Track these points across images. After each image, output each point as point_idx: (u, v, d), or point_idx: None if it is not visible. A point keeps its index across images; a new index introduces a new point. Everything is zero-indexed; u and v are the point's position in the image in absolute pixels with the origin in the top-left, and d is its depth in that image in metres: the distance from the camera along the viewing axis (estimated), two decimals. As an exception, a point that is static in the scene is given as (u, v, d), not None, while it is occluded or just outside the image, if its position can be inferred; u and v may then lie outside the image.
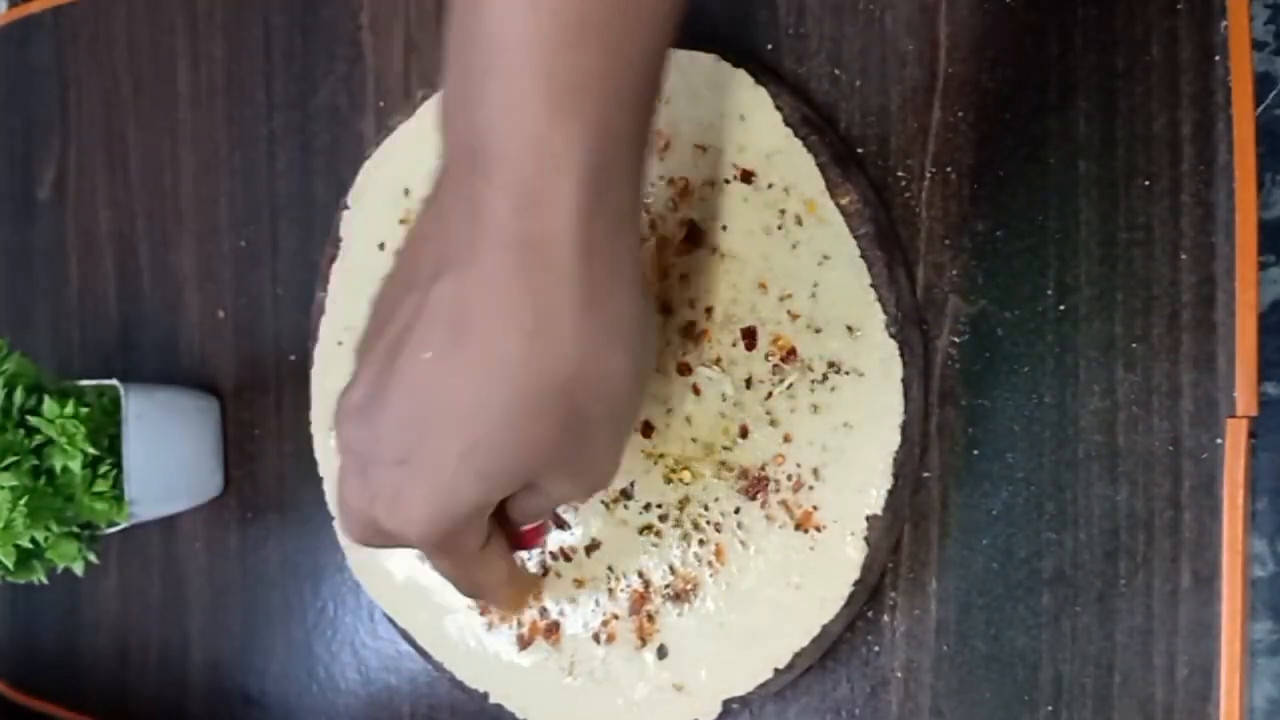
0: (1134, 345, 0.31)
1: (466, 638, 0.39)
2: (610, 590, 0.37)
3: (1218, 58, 0.30)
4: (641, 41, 0.23)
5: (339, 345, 0.43)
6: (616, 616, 0.36)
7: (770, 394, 0.34)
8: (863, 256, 0.33)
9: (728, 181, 0.35)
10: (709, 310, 0.35)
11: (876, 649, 0.35)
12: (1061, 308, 0.32)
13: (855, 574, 0.33)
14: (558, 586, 0.37)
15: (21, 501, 0.40)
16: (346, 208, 0.43)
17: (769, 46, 0.36)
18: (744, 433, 0.34)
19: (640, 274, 0.25)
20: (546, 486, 0.27)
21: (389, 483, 0.25)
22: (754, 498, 0.34)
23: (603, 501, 0.37)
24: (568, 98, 0.22)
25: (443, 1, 0.43)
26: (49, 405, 0.42)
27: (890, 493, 0.33)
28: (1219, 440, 0.30)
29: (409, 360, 0.24)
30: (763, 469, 0.34)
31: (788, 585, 0.34)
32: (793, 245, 0.34)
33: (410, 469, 0.25)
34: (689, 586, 0.35)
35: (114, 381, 0.44)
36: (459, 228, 0.23)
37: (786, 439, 0.34)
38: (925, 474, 0.34)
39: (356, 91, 0.45)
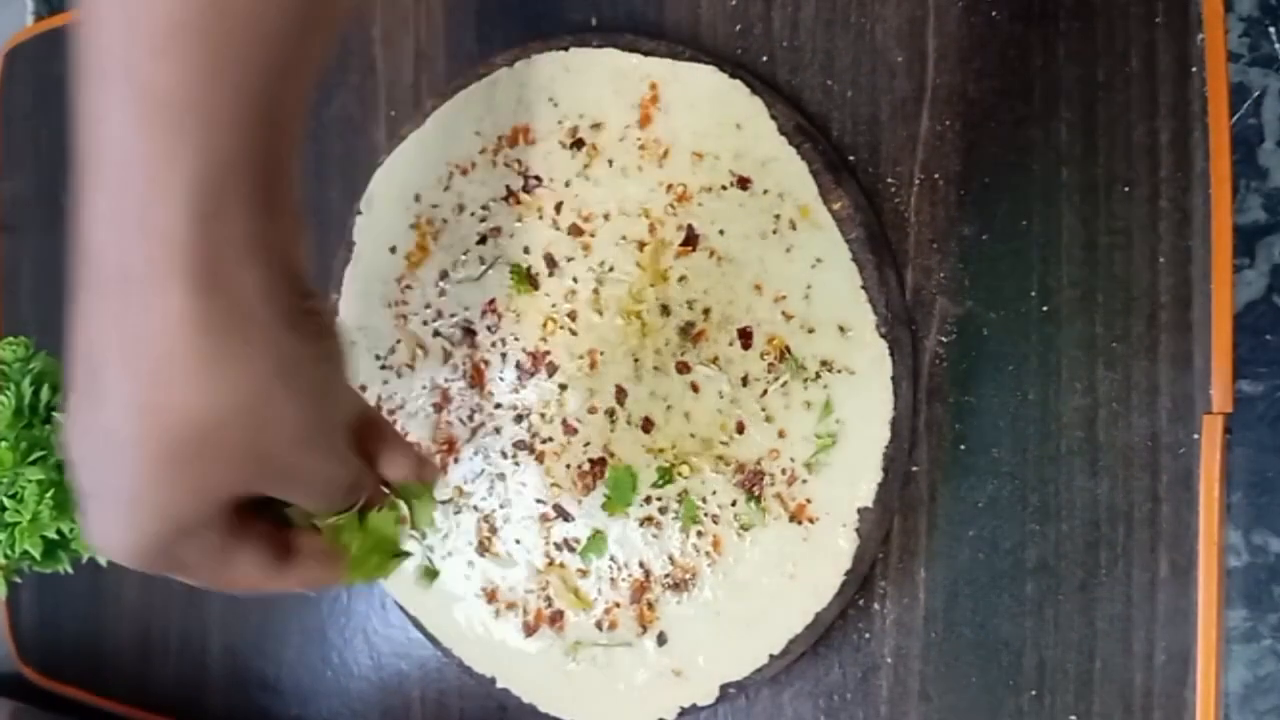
0: (1114, 344, 0.32)
1: (474, 625, 0.41)
2: (612, 579, 0.38)
3: (1194, 69, 0.31)
4: (256, 55, 0.21)
5: (351, 345, 0.45)
6: (618, 605, 0.38)
7: (765, 391, 0.35)
8: (854, 260, 0.34)
9: (724, 187, 0.36)
10: (706, 311, 0.36)
11: (867, 636, 0.36)
12: (1045, 308, 0.33)
13: (847, 564, 0.34)
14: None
15: (48, 494, 0.41)
16: (359, 213, 0.45)
17: (764, 58, 0.37)
18: (740, 428, 0.36)
19: (290, 309, 0.23)
20: (277, 494, 0.26)
21: (90, 514, 0.24)
22: (750, 491, 0.35)
23: (606, 495, 0.38)
24: (163, 113, 0.20)
25: (451, 15, 0.44)
26: (75, 402, 0.43)
27: (880, 486, 0.34)
28: (1196, 436, 0.31)
29: (75, 398, 0.23)
30: (758, 463, 0.35)
31: (782, 575, 0.35)
32: (787, 249, 0.35)
33: (95, 504, 0.24)
34: (688, 576, 0.36)
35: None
36: (81, 253, 0.22)
37: (781, 434, 0.35)
38: (914, 468, 0.35)
39: (369, 101, 0.46)
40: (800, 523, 0.35)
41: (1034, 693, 0.33)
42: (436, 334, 0.42)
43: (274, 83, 0.21)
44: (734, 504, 0.36)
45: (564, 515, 0.39)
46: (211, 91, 0.20)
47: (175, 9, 0.19)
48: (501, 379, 0.40)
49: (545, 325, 0.39)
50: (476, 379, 0.41)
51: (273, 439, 0.23)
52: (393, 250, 0.43)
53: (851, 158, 0.36)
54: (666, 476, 0.37)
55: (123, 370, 0.22)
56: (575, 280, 0.39)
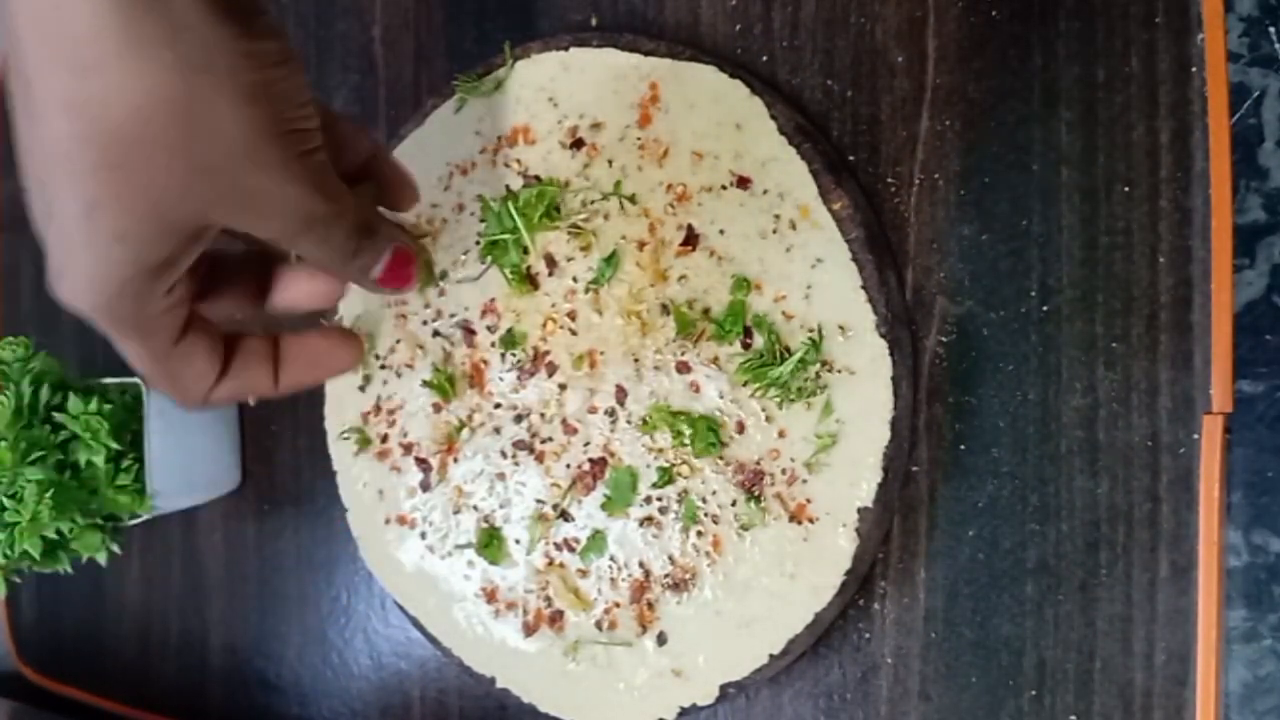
0: (1114, 345, 0.32)
1: (474, 625, 0.41)
2: (612, 579, 0.38)
3: (1194, 69, 0.31)
4: None
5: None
6: (618, 605, 0.38)
7: (765, 391, 0.35)
8: (854, 260, 0.34)
9: (725, 187, 0.36)
10: (706, 311, 0.36)
11: (867, 636, 0.36)
12: (1045, 309, 0.33)
13: (847, 564, 0.34)
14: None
15: (48, 494, 0.42)
16: None
17: (764, 58, 0.37)
18: (740, 428, 0.36)
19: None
20: (242, 229, 0.24)
21: (51, 259, 0.23)
22: (750, 491, 0.35)
23: (607, 495, 0.38)
24: None
25: (451, 15, 0.44)
26: (74, 402, 0.43)
27: (880, 486, 0.34)
28: (1196, 436, 0.31)
29: (14, 120, 0.22)
30: (758, 463, 0.35)
31: (782, 575, 0.35)
32: (787, 249, 0.35)
33: (52, 236, 0.23)
34: (688, 576, 0.36)
35: (136, 379, 0.45)
36: None
37: (781, 434, 0.35)
38: (914, 468, 0.35)
39: (369, 101, 0.46)
40: (800, 523, 0.35)
41: (1034, 693, 0.33)
42: (436, 334, 0.42)
43: None
44: (734, 504, 0.36)
45: (564, 515, 0.39)
46: None
47: None
48: (501, 379, 0.40)
49: (545, 325, 0.39)
50: (476, 379, 0.41)
51: (211, 145, 0.22)
52: (393, 250, 0.43)
53: (851, 158, 0.36)
54: (666, 476, 0.37)
55: (50, 68, 0.21)
56: (575, 280, 0.39)
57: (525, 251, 0.40)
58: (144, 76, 0.21)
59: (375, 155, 0.30)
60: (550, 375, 0.39)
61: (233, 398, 0.28)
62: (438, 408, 0.42)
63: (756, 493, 0.35)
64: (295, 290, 0.30)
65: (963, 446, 0.34)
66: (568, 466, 0.39)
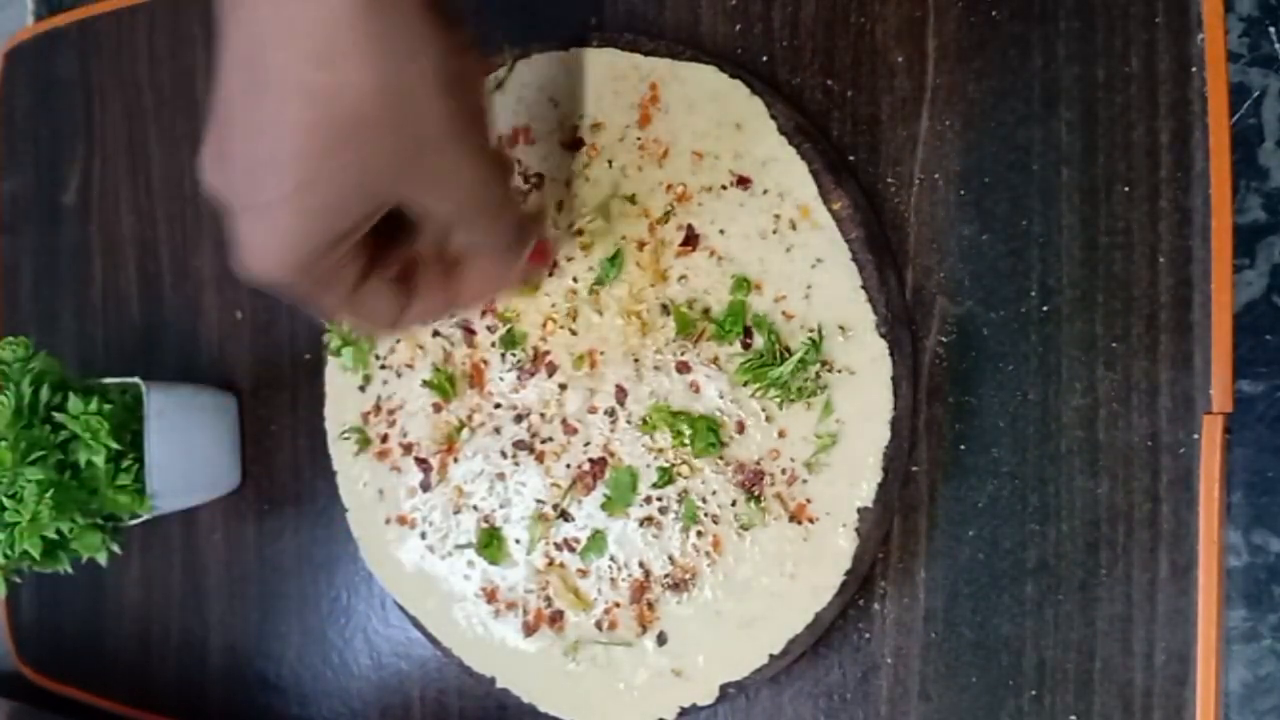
0: (1114, 345, 0.32)
1: (474, 625, 0.41)
2: (612, 579, 0.38)
3: (1194, 69, 0.31)
4: None
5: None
6: (618, 605, 0.38)
7: (765, 391, 0.35)
8: (854, 260, 0.34)
9: (725, 187, 0.36)
10: (706, 311, 0.36)
11: (867, 636, 0.36)
12: (1044, 309, 0.33)
13: (847, 564, 0.34)
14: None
15: (48, 494, 0.42)
16: None
17: (764, 59, 0.37)
18: (740, 428, 0.36)
19: (437, 5, 0.25)
20: (423, 207, 0.27)
21: (242, 230, 0.25)
22: (750, 491, 0.35)
23: (607, 495, 0.38)
24: None
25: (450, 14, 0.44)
26: (74, 402, 0.43)
27: (880, 486, 0.34)
28: (1196, 436, 0.31)
29: (231, 112, 0.24)
30: (758, 463, 0.35)
31: (782, 575, 0.35)
32: (787, 249, 0.35)
33: (251, 215, 0.25)
34: (688, 576, 0.36)
35: (136, 379, 0.45)
36: None
37: (781, 434, 0.35)
38: (914, 468, 0.35)
39: (369, 100, 0.46)
40: (800, 523, 0.35)
41: (1034, 693, 0.33)
42: (436, 334, 0.42)
43: None
44: (734, 504, 0.36)
45: (564, 515, 0.39)
46: None
47: None
48: (501, 379, 0.40)
49: (545, 325, 0.39)
50: (476, 379, 0.41)
51: (421, 128, 0.24)
52: (393, 250, 0.43)
53: (851, 158, 0.36)
54: (666, 476, 0.37)
55: (288, 54, 0.23)
56: (575, 280, 0.39)
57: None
58: (377, 68, 0.23)
59: None
60: (550, 375, 0.39)
61: (421, 320, 0.31)
62: (438, 408, 0.42)
63: (756, 493, 0.35)
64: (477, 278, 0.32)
65: (963, 446, 0.34)
66: (568, 466, 0.39)
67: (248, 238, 0.25)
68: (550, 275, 0.39)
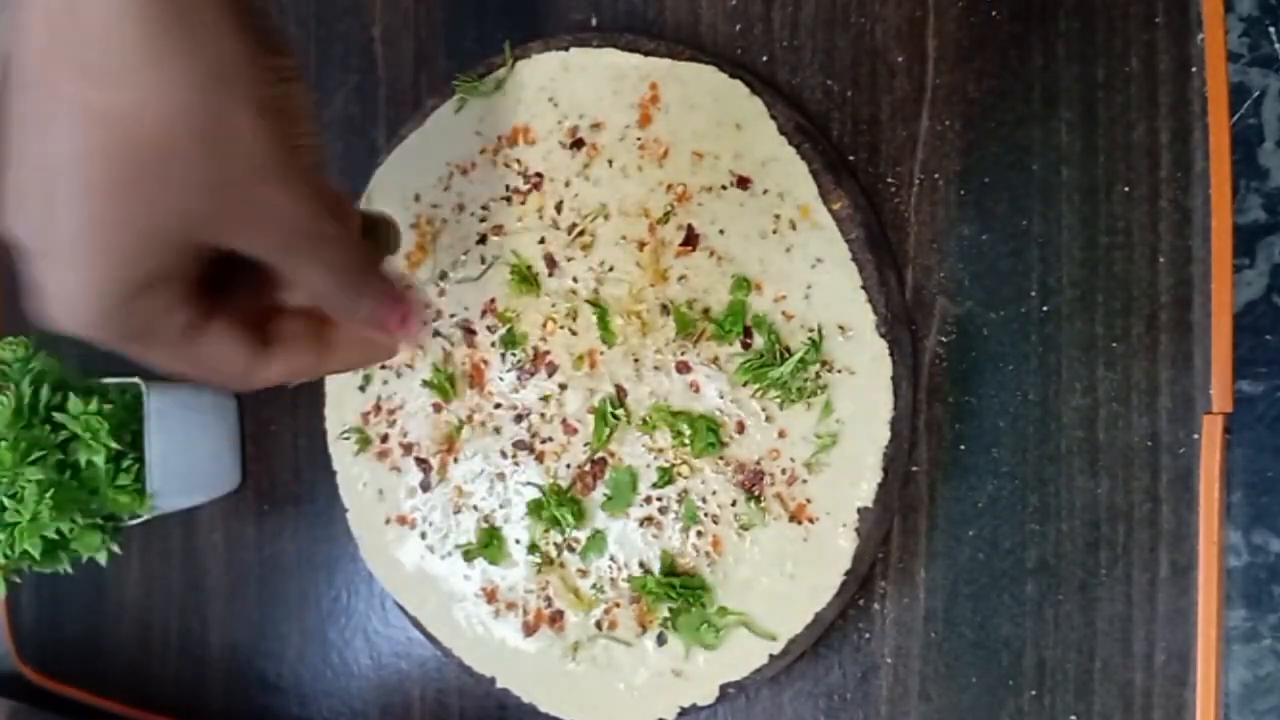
0: (1114, 345, 0.32)
1: (474, 625, 0.41)
2: (612, 579, 0.38)
3: (1194, 69, 0.31)
4: None
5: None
6: (618, 605, 0.38)
7: (765, 391, 0.35)
8: (854, 260, 0.34)
9: (725, 187, 0.36)
10: (706, 311, 0.36)
11: (867, 636, 0.36)
12: (1045, 309, 0.33)
13: (847, 564, 0.34)
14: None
15: (48, 494, 0.42)
16: (359, 212, 0.45)
17: (764, 58, 0.37)
18: (740, 428, 0.36)
19: (238, 11, 0.22)
20: (245, 247, 0.24)
21: (39, 276, 0.22)
22: (750, 491, 0.35)
23: (607, 495, 0.38)
24: None
25: (451, 15, 0.44)
26: (74, 402, 0.43)
27: (880, 486, 0.34)
28: (1195, 436, 0.31)
29: (15, 136, 0.21)
30: (758, 463, 0.35)
31: (782, 575, 0.35)
32: (787, 249, 0.35)
33: (47, 259, 0.22)
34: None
35: (136, 379, 0.46)
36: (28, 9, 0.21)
37: (781, 434, 0.35)
38: (914, 468, 0.35)
39: (368, 101, 0.46)
40: (800, 523, 0.35)
41: (1034, 693, 0.33)
42: (436, 334, 0.42)
43: None
44: (734, 504, 0.36)
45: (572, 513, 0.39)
46: None
47: None
48: (501, 379, 0.40)
49: (545, 325, 0.39)
50: (476, 379, 0.41)
51: (228, 160, 0.22)
52: (393, 250, 0.43)
53: (851, 158, 0.36)
54: (666, 476, 0.37)
55: (64, 75, 0.20)
56: (575, 280, 0.39)
57: (525, 251, 0.39)
58: (171, 89, 0.21)
59: (355, 210, 0.30)
60: (550, 375, 0.39)
61: (280, 380, 0.27)
62: (438, 408, 0.42)
63: (756, 493, 0.35)
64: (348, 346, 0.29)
65: (963, 446, 0.34)
66: (568, 466, 0.39)
67: (46, 285, 0.22)
68: (550, 275, 0.39)
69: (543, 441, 0.39)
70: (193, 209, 0.22)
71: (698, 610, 0.35)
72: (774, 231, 0.35)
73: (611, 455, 0.38)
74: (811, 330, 0.34)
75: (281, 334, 0.27)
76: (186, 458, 0.47)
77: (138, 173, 0.21)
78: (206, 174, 0.22)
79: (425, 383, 0.42)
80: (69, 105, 0.21)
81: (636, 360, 0.37)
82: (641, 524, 0.37)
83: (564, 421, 0.39)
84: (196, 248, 0.23)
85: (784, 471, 0.35)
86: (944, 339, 0.35)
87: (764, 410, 0.35)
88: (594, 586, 0.38)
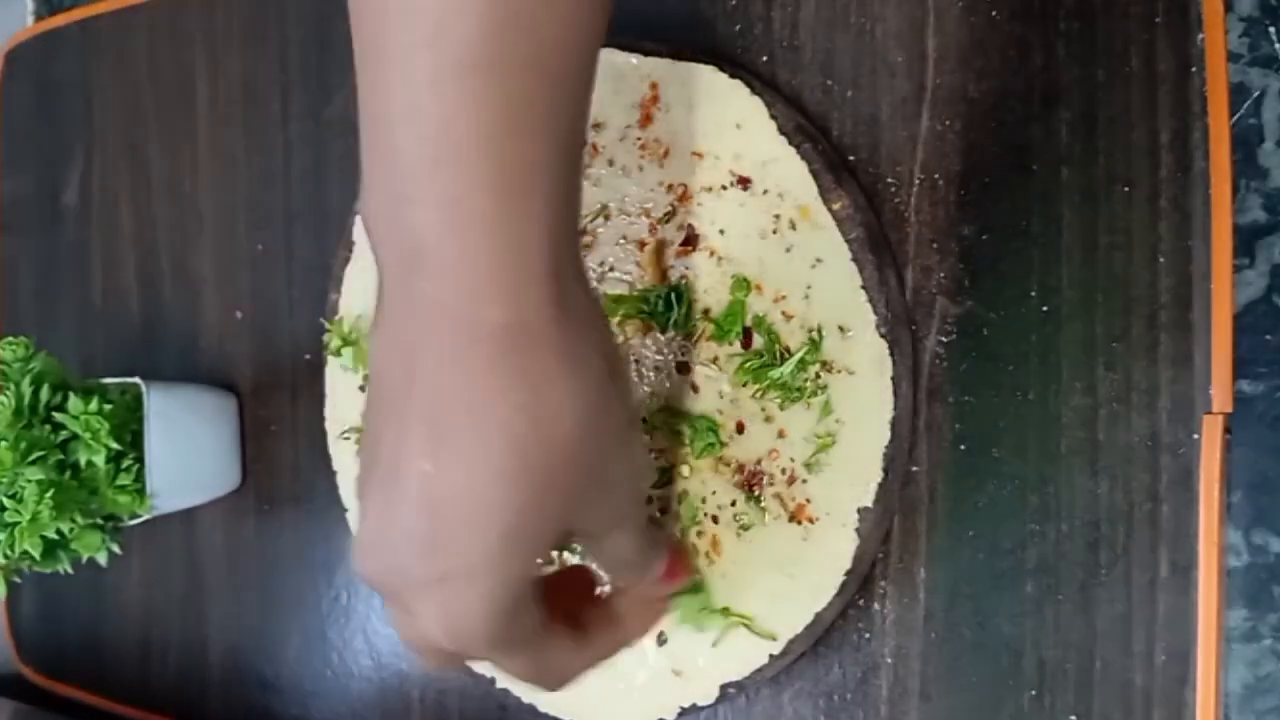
0: (1114, 345, 0.32)
1: (474, 625, 0.41)
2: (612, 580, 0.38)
3: (1194, 69, 0.31)
4: (570, 114, 0.22)
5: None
6: (618, 605, 0.38)
7: (765, 391, 0.35)
8: (854, 260, 0.34)
9: (725, 187, 0.36)
10: (706, 311, 0.36)
11: (867, 636, 0.36)
12: (1045, 309, 0.33)
13: (847, 564, 0.34)
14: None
15: (48, 494, 0.42)
16: (359, 213, 0.44)
17: (764, 58, 0.37)
18: (740, 428, 0.36)
19: (599, 305, 0.24)
20: (590, 531, 0.25)
21: (436, 605, 0.22)
22: (750, 491, 0.35)
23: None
24: (518, 180, 0.21)
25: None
26: (74, 402, 0.43)
27: (880, 486, 0.34)
28: (1196, 436, 0.31)
29: (408, 478, 0.22)
30: (758, 463, 0.35)
31: (782, 575, 0.35)
32: (787, 249, 0.35)
33: (452, 585, 0.22)
34: (688, 576, 0.36)
35: (136, 379, 0.46)
36: (420, 337, 0.21)
37: (781, 434, 0.35)
38: (914, 468, 0.35)
39: (369, 101, 0.46)
40: (800, 523, 0.35)
41: (1034, 693, 0.33)
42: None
43: (578, 134, 0.22)
44: (734, 504, 0.36)
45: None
46: (559, 152, 0.21)
47: (522, 87, 0.21)
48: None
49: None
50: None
51: (605, 439, 0.23)
52: (393, 250, 0.43)
53: (851, 158, 0.36)
54: (666, 476, 0.37)
55: (494, 410, 0.21)
56: (575, 280, 0.39)
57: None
58: (582, 394, 0.22)
59: None
60: (550, 375, 0.39)
61: (593, 666, 0.28)
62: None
63: (756, 493, 0.35)
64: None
65: (963, 447, 0.34)
66: (568, 466, 0.39)
67: (454, 608, 0.22)
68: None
69: (543, 441, 0.39)
70: (572, 512, 0.23)
71: (703, 595, 0.35)
72: (774, 231, 0.35)
73: (611, 455, 0.38)
74: (811, 330, 0.34)
75: (588, 621, 0.27)
76: (186, 458, 0.47)
77: (549, 478, 0.22)
78: (591, 453, 0.22)
79: None
80: (486, 423, 0.21)
81: (636, 360, 0.37)
82: (641, 524, 0.37)
83: (564, 421, 0.39)
84: (559, 538, 0.24)
85: (784, 471, 0.35)
86: (944, 339, 0.35)
87: (764, 410, 0.35)
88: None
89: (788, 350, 0.35)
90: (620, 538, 0.26)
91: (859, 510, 0.34)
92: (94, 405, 0.44)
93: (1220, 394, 0.31)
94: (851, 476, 0.34)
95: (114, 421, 0.44)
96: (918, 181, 0.35)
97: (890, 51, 0.35)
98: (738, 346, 0.36)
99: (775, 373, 0.34)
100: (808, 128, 0.36)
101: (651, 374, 0.37)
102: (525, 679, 0.26)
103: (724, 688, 0.36)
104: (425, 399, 0.21)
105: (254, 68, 0.50)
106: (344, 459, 0.45)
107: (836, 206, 0.34)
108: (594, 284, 0.38)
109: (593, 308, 0.23)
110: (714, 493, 0.36)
